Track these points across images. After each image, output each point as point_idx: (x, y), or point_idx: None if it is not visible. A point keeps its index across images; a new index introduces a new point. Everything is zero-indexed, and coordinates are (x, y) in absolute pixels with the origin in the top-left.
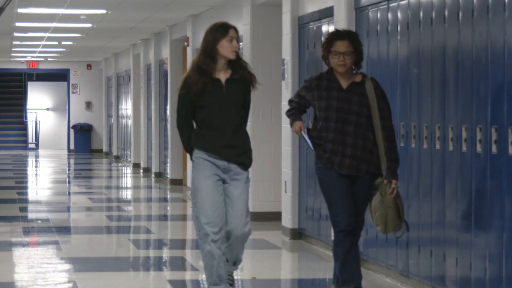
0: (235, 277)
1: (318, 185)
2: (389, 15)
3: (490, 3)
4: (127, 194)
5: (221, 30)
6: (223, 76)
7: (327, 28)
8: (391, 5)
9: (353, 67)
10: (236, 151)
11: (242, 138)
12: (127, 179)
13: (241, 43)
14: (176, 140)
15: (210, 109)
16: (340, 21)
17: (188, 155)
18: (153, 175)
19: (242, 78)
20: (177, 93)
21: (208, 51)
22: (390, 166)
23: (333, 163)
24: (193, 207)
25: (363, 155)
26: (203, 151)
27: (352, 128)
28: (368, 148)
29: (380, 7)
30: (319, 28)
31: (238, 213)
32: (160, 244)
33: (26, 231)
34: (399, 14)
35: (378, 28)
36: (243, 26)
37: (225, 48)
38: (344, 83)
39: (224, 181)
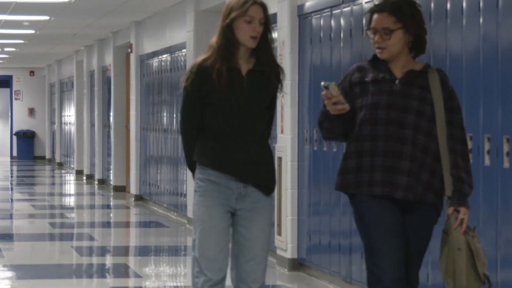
0: None
1: (355, 221)
2: (332, 22)
3: (448, 8)
4: (70, 201)
5: (238, 5)
6: (244, 65)
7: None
8: (334, 12)
9: (411, 53)
10: (257, 170)
11: (266, 152)
12: (70, 186)
13: (184, 50)
14: (119, 146)
15: (224, 110)
16: (283, 28)
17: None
18: (96, 182)
19: (269, 71)
20: (182, 84)
21: (225, 33)
22: (457, 188)
23: (390, 184)
24: (193, 244)
25: (421, 174)
26: (212, 169)
27: (410, 133)
28: (428, 165)
29: (323, 14)
30: None
31: (256, 259)
32: (103, 251)
33: None
34: (342, 21)
35: (321, 35)
36: (186, 32)
37: (242, 32)
38: (398, 72)
39: (234, 213)
